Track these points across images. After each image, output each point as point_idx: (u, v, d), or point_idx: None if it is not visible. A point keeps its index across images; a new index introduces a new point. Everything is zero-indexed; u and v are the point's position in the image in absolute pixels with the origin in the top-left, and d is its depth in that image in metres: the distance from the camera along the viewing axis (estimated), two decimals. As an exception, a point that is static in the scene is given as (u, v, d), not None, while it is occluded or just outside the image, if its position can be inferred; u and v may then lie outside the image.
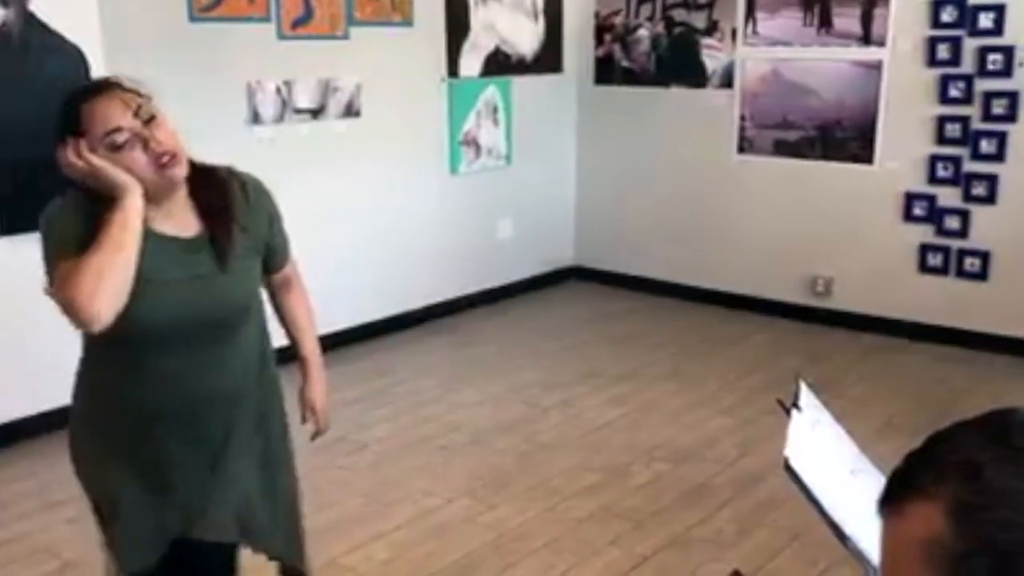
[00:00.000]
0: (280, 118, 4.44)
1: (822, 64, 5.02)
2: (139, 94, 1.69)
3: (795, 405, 1.62)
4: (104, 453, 1.82)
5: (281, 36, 4.37)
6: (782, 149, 5.23)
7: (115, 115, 1.65)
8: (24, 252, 3.67)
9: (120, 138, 1.64)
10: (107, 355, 1.78)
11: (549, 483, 3.48)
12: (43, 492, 3.39)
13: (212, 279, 1.76)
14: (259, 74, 4.33)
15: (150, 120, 1.67)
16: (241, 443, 1.88)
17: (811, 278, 5.26)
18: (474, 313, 5.50)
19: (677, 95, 5.57)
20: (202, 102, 4.15)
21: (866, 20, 4.83)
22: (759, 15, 5.18)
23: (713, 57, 5.38)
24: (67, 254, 1.63)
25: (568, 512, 3.26)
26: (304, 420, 2.11)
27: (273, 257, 1.95)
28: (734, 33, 5.28)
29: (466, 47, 5.24)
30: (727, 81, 5.35)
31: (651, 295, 5.80)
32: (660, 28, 5.59)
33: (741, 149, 5.38)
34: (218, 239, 1.76)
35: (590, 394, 4.31)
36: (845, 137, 5.01)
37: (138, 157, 1.65)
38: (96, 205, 1.65)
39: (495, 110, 5.50)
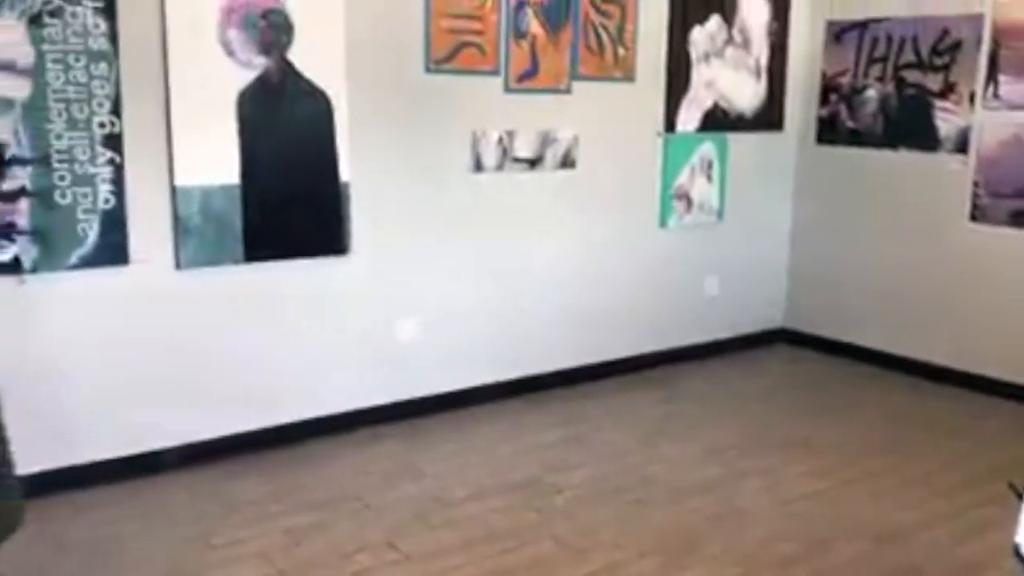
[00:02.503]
0: (500, 166, 4.62)
1: (1072, 131, 4.66)
2: None
3: (1027, 491, 1.51)
4: None
5: (507, 89, 4.57)
6: (1021, 220, 4.88)
7: None
8: (266, 278, 4.02)
9: None
10: None
11: (743, 549, 3.37)
12: (266, 501, 3.65)
13: None
14: (484, 124, 4.54)
15: None
16: None
17: (1048, 360, 4.86)
18: (678, 368, 5.45)
19: (905, 158, 5.34)
20: (431, 147, 4.40)
21: None
22: (1002, 78, 4.89)
23: (947, 120, 5.12)
24: None
25: (763, 581, 3.15)
26: None
27: None
28: (972, 96, 5.01)
29: (685, 102, 5.27)
30: (961, 146, 5.07)
31: (866, 365, 5.54)
32: (890, 88, 5.39)
33: (974, 218, 5.07)
34: None
35: (792, 462, 4.15)
36: (1095, 210, 4.62)
37: None
38: None
39: (710, 165, 5.48)
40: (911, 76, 5.29)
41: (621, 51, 4.94)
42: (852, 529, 3.51)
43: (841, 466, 4.12)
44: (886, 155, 5.42)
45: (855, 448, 4.32)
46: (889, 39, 5.36)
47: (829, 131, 5.71)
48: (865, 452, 4.28)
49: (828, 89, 5.69)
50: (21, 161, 3.40)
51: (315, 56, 3.97)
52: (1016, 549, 1.31)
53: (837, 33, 5.60)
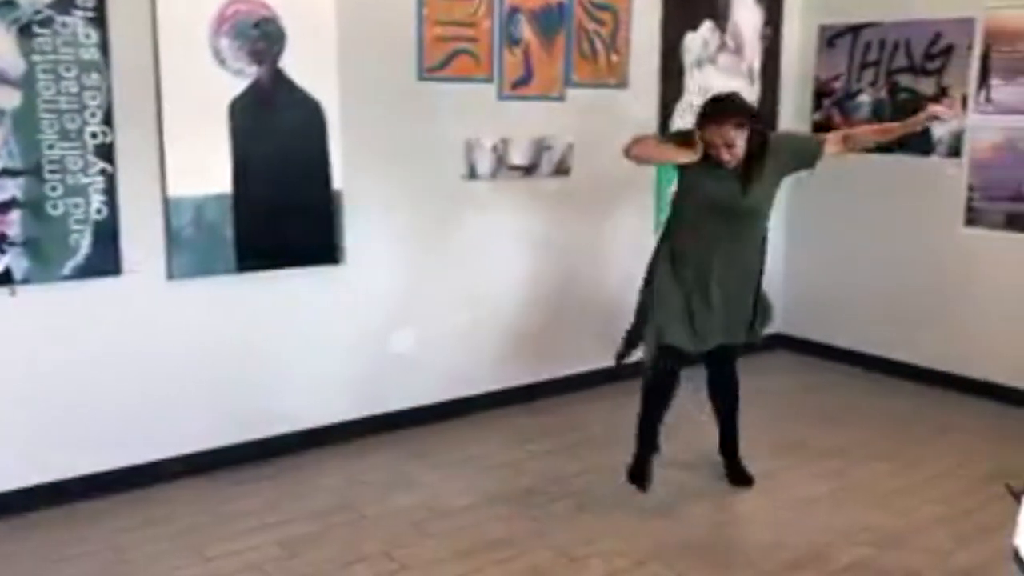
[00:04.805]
0: (494, 174, 4.60)
1: (1066, 133, 4.66)
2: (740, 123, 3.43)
3: (1028, 491, 1.49)
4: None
5: (501, 96, 4.55)
6: (1016, 223, 4.87)
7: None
8: (258, 288, 3.99)
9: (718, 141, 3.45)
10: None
11: (744, 555, 3.35)
12: (261, 512, 3.62)
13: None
14: (478, 132, 4.52)
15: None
16: None
17: (1046, 363, 4.84)
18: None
19: (898, 163, 5.33)
20: (425, 156, 4.38)
21: (1119, 87, 4.46)
22: (994, 81, 4.90)
23: (940, 124, 5.11)
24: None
25: (763, 588, 3.12)
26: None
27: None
28: (965, 100, 5.02)
29: (678, 109, 5.26)
30: (955, 150, 5.07)
31: (864, 370, 5.52)
32: (883, 94, 5.40)
33: (969, 222, 5.06)
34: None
35: (792, 468, 4.13)
36: (1090, 212, 4.62)
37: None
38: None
39: (705, 173, 5.46)
40: (904, 80, 5.29)
41: (614, 58, 4.94)
42: (852, 535, 3.49)
43: (841, 471, 4.10)
44: (879, 159, 5.40)
45: (854, 453, 4.30)
46: (882, 44, 5.37)
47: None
48: (864, 457, 4.25)
49: (821, 94, 5.69)
50: (12, 172, 3.38)
51: (307, 65, 3.95)
52: (1015, 552, 1.29)
53: (830, 38, 5.61)
